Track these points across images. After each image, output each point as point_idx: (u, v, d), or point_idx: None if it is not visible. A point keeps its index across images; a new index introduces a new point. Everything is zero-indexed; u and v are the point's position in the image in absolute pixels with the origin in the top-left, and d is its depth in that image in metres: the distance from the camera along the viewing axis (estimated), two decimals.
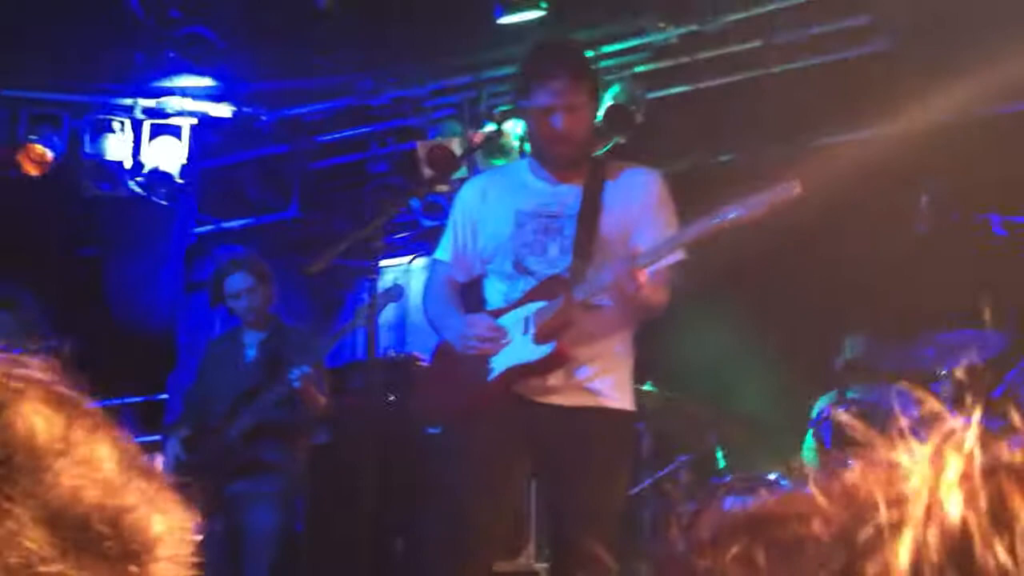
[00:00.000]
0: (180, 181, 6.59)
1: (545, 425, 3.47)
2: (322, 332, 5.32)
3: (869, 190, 5.70)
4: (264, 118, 6.72)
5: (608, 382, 3.52)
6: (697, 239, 3.36)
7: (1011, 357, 4.78)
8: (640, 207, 3.59)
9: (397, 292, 4.98)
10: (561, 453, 3.47)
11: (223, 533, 4.86)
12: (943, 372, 4.76)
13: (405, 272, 7.22)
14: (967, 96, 5.74)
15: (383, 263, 7.39)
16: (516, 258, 3.58)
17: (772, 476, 4.87)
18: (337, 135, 6.94)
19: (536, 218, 3.59)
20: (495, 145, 6.23)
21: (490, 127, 6.31)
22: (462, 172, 6.35)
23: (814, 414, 5.63)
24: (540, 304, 3.50)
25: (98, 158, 6.50)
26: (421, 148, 6.52)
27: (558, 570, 3.60)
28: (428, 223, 6.97)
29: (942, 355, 4.81)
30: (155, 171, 6.53)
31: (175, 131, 6.59)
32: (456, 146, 6.43)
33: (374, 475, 4.16)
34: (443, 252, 3.80)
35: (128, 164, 6.53)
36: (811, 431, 5.61)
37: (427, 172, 6.44)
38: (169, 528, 0.90)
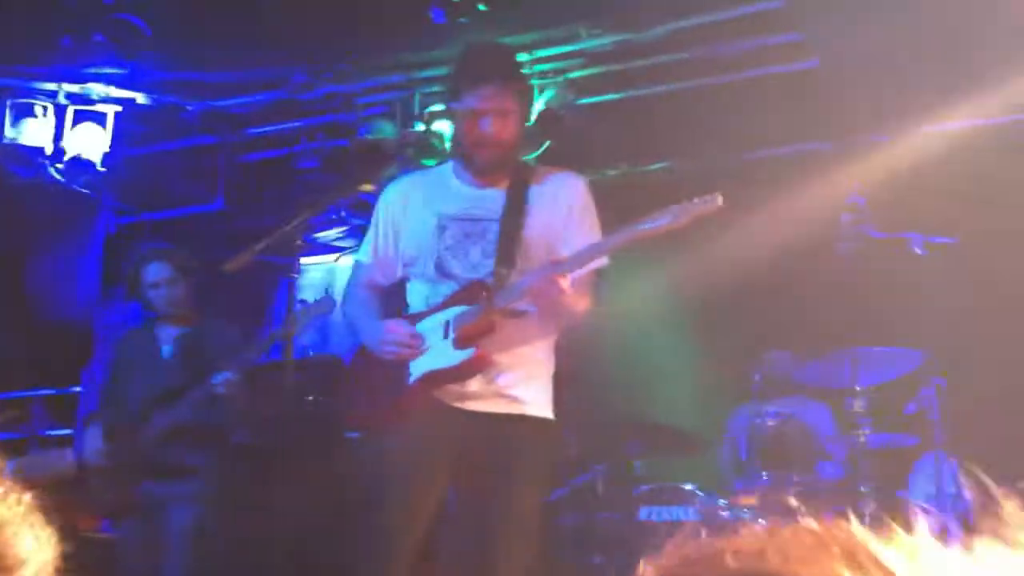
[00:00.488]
0: (102, 169, 6.44)
1: (464, 431, 3.44)
2: (245, 330, 5.19)
3: (794, 205, 5.76)
4: (191, 108, 6.60)
5: (529, 389, 3.51)
6: (619, 246, 3.35)
7: (926, 374, 4.85)
8: (564, 212, 3.58)
9: (328, 304, 4.90)
10: (480, 459, 3.45)
11: (139, 534, 4.76)
12: (859, 388, 4.82)
13: (330, 271, 7.15)
14: (893, 116, 5.83)
15: (309, 260, 7.33)
16: (438, 262, 3.56)
17: (688, 487, 4.90)
18: (266, 128, 6.84)
19: (459, 222, 3.57)
20: (425, 145, 6.20)
21: (420, 127, 6.28)
22: (392, 171, 6.32)
23: (730, 425, 5.68)
24: (461, 309, 3.47)
25: (17, 143, 6.34)
26: (351, 145, 6.46)
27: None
28: (355, 221, 6.92)
29: (858, 371, 4.87)
30: (77, 158, 6.39)
31: (99, 118, 6.45)
32: (387, 145, 6.38)
33: (292, 477, 4.12)
34: (364, 254, 3.76)
35: (49, 150, 6.37)
36: (726, 441, 5.66)
37: (356, 170, 6.38)
38: (39, 543, 0.90)
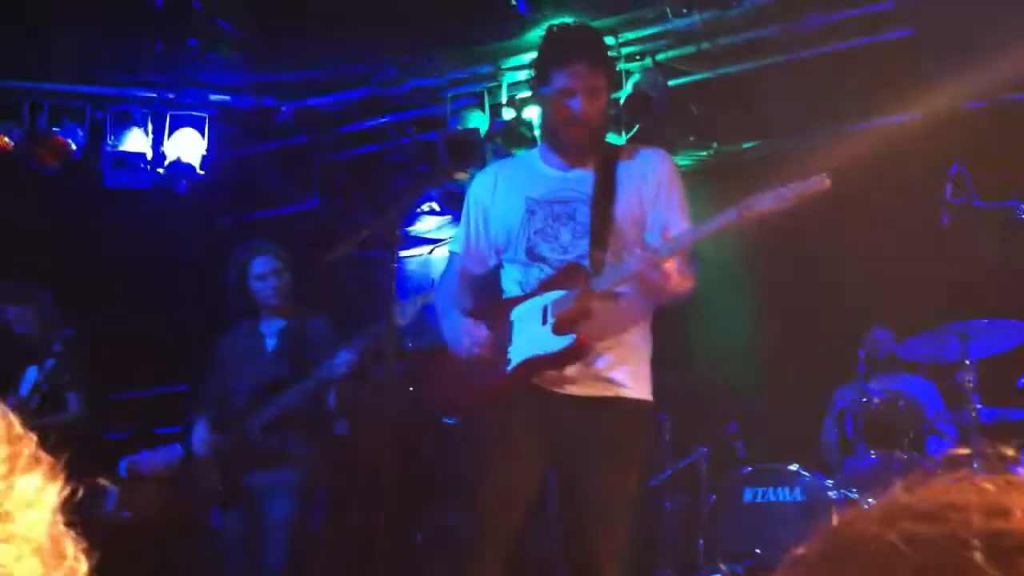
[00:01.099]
0: (201, 173, 6.60)
1: (562, 415, 3.45)
2: (346, 324, 5.27)
3: (893, 178, 5.64)
4: (284, 109, 6.72)
5: (626, 372, 3.50)
6: (722, 229, 3.31)
7: None
8: (653, 189, 3.55)
9: (431, 295, 4.97)
10: (578, 443, 3.45)
11: (242, 524, 4.88)
12: (968, 362, 4.71)
13: (426, 262, 7.22)
14: (990, 82, 5.66)
15: (404, 253, 7.41)
16: (529, 245, 3.56)
17: (792, 467, 4.84)
18: (357, 125, 6.93)
19: (547, 204, 3.57)
20: (514, 133, 6.21)
21: (509, 114, 6.30)
22: (482, 161, 6.35)
23: (836, 401, 5.59)
24: (558, 293, 3.47)
25: (119, 150, 6.53)
26: (441, 137, 6.51)
27: (570, 567, 3.58)
28: (449, 212, 6.97)
29: (967, 344, 4.76)
30: (176, 163, 6.55)
31: (196, 123, 6.60)
32: (476, 135, 6.41)
33: (393, 467, 4.16)
34: (456, 244, 3.78)
35: (149, 156, 6.55)
36: (830, 420, 5.57)
37: (447, 161, 6.43)
38: (36, 490, 0.90)
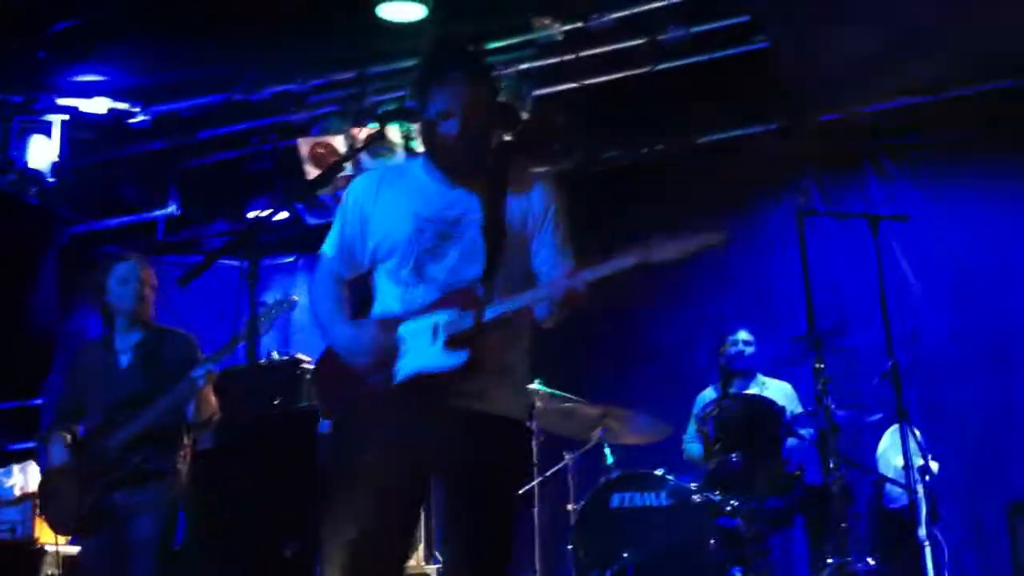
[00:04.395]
0: (52, 180, 6.35)
1: (448, 429, 3.44)
2: (203, 333, 5.15)
3: (750, 187, 5.81)
4: (139, 113, 6.51)
5: (510, 392, 3.53)
6: (618, 272, 3.39)
7: (888, 351, 4.91)
8: (538, 213, 3.51)
9: (289, 304, 4.89)
10: (463, 457, 3.45)
11: (106, 545, 4.71)
12: (822, 365, 4.87)
13: (289, 272, 7.11)
14: (843, 94, 5.89)
15: (268, 262, 7.28)
16: (416, 264, 3.53)
17: (659, 472, 4.92)
18: (217, 131, 6.77)
19: (435, 223, 3.54)
20: (379, 143, 6.16)
21: (373, 126, 6.24)
22: (346, 171, 6.28)
23: (697, 408, 5.71)
24: (448, 312, 3.47)
25: None
26: (303, 145, 6.41)
27: (451, 573, 3.57)
28: (312, 221, 6.87)
29: (823, 350, 4.91)
30: (25, 170, 6.29)
31: (46, 128, 6.35)
32: (340, 143, 6.34)
33: (259, 481, 4.08)
34: (331, 247, 3.71)
35: None
36: (694, 425, 5.69)
37: (310, 170, 6.33)
38: None
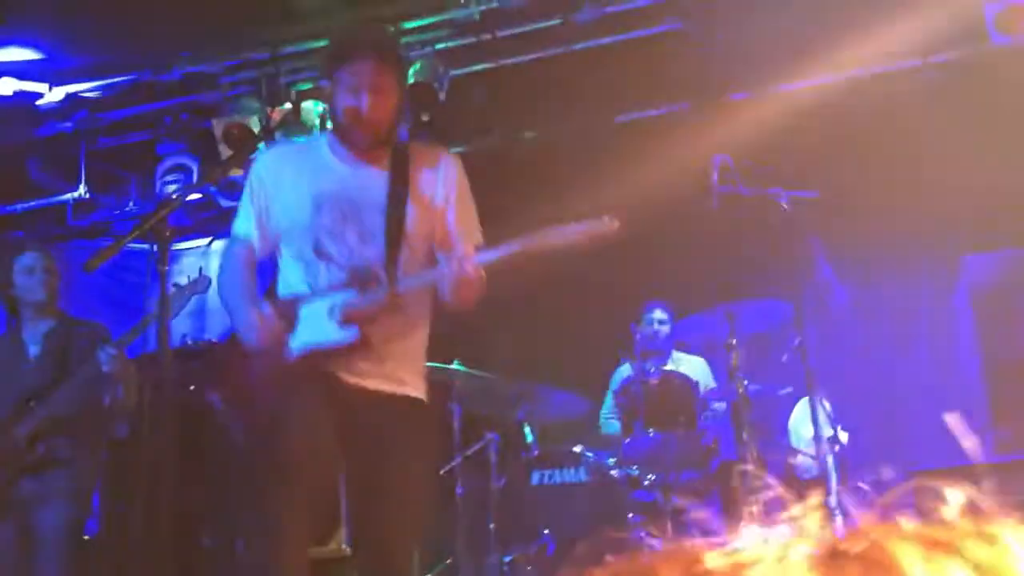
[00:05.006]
0: None
1: (352, 402, 3.45)
2: (113, 318, 5.07)
3: (668, 165, 5.87)
4: (46, 95, 6.36)
5: (412, 372, 3.55)
6: (505, 259, 3.41)
7: (795, 325, 5.02)
8: (444, 194, 3.58)
9: (203, 283, 4.82)
10: (367, 433, 3.46)
11: (13, 535, 4.62)
12: (734, 341, 4.96)
13: (203, 254, 7.01)
14: (757, 74, 5.98)
15: (181, 245, 7.17)
16: (315, 242, 3.52)
17: (577, 449, 4.98)
18: (126, 112, 6.63)
19: (336, 202, 3.53)
20: (294, 123, 6.11)
21: (287, 106, 6.18)
22: (259, 152, 6.22)
23: (615, 385, 5.78)
24: (348, 295, 3.46)
25: None
26: (216, 125, 6.32)
27: (364, 554, 3.58)
28: (226, 203, 6.78)
29: (735, 324, 5.01)
30: None
31: None
32: (254, 124, 6.27)
33: (175, 469, 4.02)
34: (240, 227, 3.68)
35: None
36: (611, 401, 5.76)
37: (223, 151, 6.25)
38: None
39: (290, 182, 3.59)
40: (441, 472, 5.02)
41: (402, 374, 3.50)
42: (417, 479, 3.47)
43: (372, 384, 3.46)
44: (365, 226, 3.49)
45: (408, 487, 3.42)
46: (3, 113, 6.42)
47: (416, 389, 3.54)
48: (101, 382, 4.66)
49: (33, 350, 4.84)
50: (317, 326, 3.45)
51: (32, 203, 6.88)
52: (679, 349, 5.90)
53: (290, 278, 3.60)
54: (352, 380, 3.45)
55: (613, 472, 4.91)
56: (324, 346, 3.43)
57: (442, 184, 3.58)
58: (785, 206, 5.12)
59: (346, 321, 3.43)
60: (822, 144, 6.18)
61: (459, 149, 6.72)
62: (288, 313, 3.51)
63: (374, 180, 3.54)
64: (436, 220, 3.55)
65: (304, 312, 3.49)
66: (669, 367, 5.70)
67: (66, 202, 6.82)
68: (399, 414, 3.47)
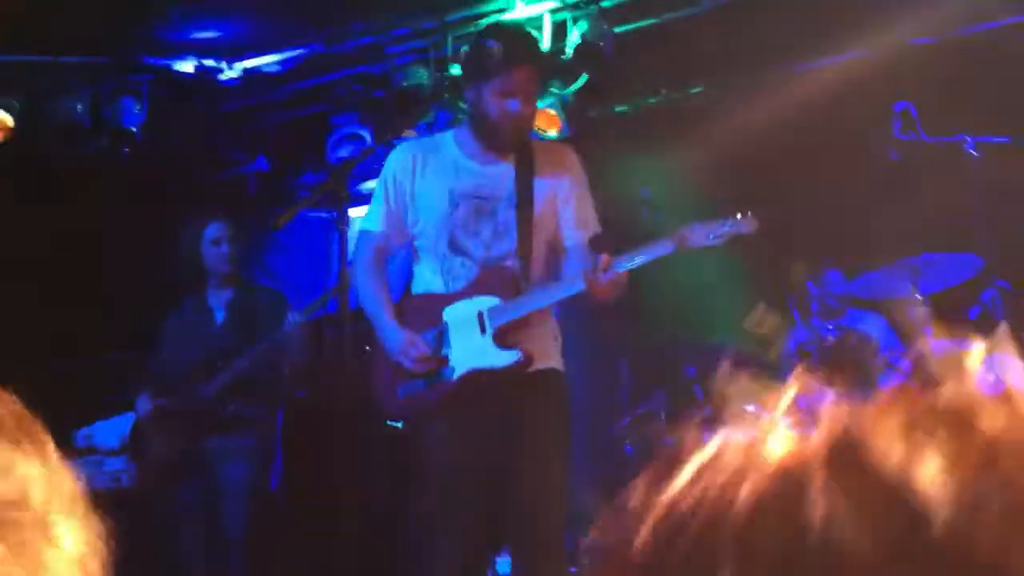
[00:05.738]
0: (142, 140, 6.46)
1: (505, 414, 3.62)
2: (294, 286, 5.23)
3: (842, 116, 5.64)
4: (227, 70, 6.59)
5: (549, 355, 3.72)
6: (660, 254, 3.57)
7: (987, 277, 4.76)
8: (565, 188, 3.76)
9: None
10: (522, 434, 3.62)
11: (199, 491, 4.82)
12: (919, 296, 4.74)
13: None
14: (937, 16, 5.67)
15: (354, 212, 7.33)
16: (450, 238, 3.68)
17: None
18: (301, 84, 6.81)
19: (470, 199, 3.68)
20: (457, 85, 6.14)
21: (455, 70, 6.22)
22: (429, 116, 6.31)
23: (789, 343, 5.61)
24: (491, 300, 3.60)
25: (58, 120, 6.37)
26: (388, 94, 6.42)
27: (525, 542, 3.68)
28: None
29: (918, 279, 4.79)
30: (118, 130, 6.41)
31: (136, 89, 6.45)
32: (423, 91, 6.34)
33: (352, 428, 4.14)
34: (373, 222, 3.80)
35: (89, 125, 6.40)
36: (787, 360, 5.59)
37: (394, 118, 6.35)
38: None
39: (426, 179, 3.76)
40: (609, 432, 5.00)
41: (540, 364, 3.66)
42: (560, 474, 3.58)
43: (522, 397, 3.65)
44: (499, 221, 3.66)
45: (555, 484, 3.53)
46: (187, 90, 6.69)
47: (555, 361, 3.70)
48: (283, 347, 4.82)
49: (219, 316, 5.05)
50: (473, 345, 3.61)
51: (215, 176, 7.16)
52: (858, 307, 5.67)
53: (424, 272, 3.75)
54: (509, 398, 3.63)
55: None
56: (486, 369, 3.59)
57: (566, 176, 3.75)
58: (974, 153, 4.86)
59: (500, 339, 3.59)
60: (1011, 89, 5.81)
61: (625, 107, 6.63)
62: (431, 316, 3.66)
63: (503, 177, 3.71)
64: (559, 212, 3.73)
65: (449, 319, 3.61)
66: (846, 325, 5.49)
67: (247, 174, 7.07)
68: (543, 410, 3.65)
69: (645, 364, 5.16)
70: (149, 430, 4.84)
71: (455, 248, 3.67)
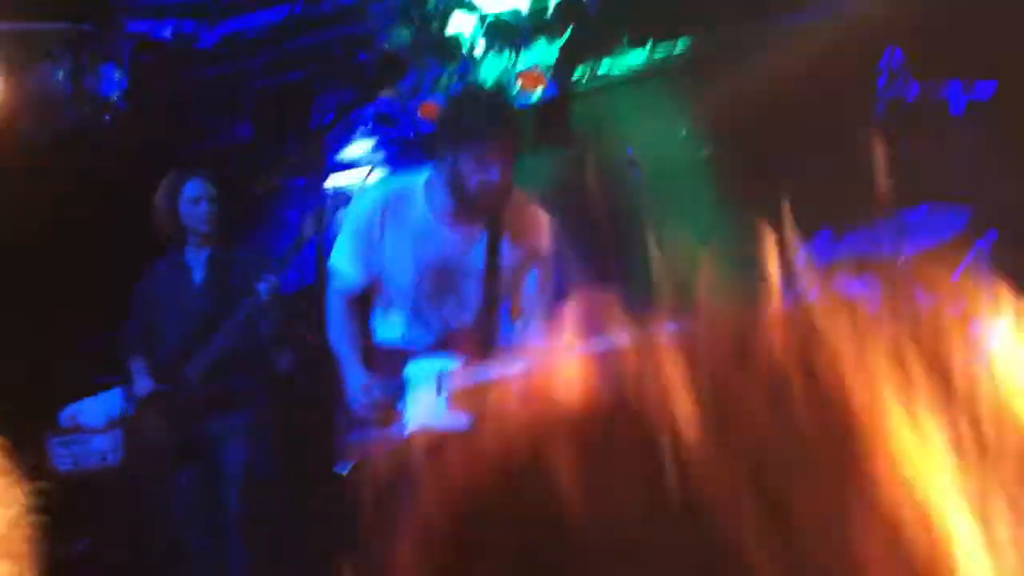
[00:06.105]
0: (123, 107, 6.39)
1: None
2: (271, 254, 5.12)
3: (825, 70, 5.54)
4: (204, 35, 6.49)
5: None
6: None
7: (969, 236, 4.69)
8: (530, 256, 3.80)
9: (346, 199, 4.88)
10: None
11: (198, 477, 4.74)
12: (904, 255, 4.67)
13: (361, 185, 7.08)
14: None
15: (337, 178, 7.27)
16: (415, 305, 3.74)
17: None
18: (280, 48, 6.71)
19: (433, 271, 3.73)
20: (443, 48, 6.05)
21: (436, 27, 6.11)
22: (411, 78, 6.22)
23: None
24: (449, 360, 3.66)
25: (38, 90, 6.29)
26: (370, 57, 6.34)
27: None
28: (381, 132, 6.81)
29: (903, 236, 4.71)
30: (99, 98, 6.34)
31: (116, 55, 6.37)
32: (405, 51, 6.25)
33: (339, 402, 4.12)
34: (342, 263, 3.82)
35: (68, 93, 6.32)
36: None
37: (377, 80, 6.27)
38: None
39: (391, 242, 3.78)
40: None
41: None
42: None
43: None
44: (462, 294, 3.73)
45: None
46: (164, 57, 6.59)
47: None
48: (261, 313, 4.72)
49: (198, 275, 4.91)
50: (427, 403, 3.67)
51: (198, 144, 7.08)
52: (843, 269, 5.61)
53: (391, 322, 3.83)
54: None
55: None
56: (436, 430, 3.59)
57: (531, 241, 3.80)
58: (961, 103, 4.78)
59: (458, 405, 3.64)
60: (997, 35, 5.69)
61: (610, 64, 6.52)
62: (393, 369, 3.74)
63: (473, 244, 3.74)
64: (524, 281, 3.79)
65: (409, 375, 3.66)
66: (834, 287, 5.43)
67: (228, 143, 6.99)
68: None
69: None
70: (146, 413, 4.73)
71: (418, 315, 3.75)
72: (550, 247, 3.83)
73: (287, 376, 5.07)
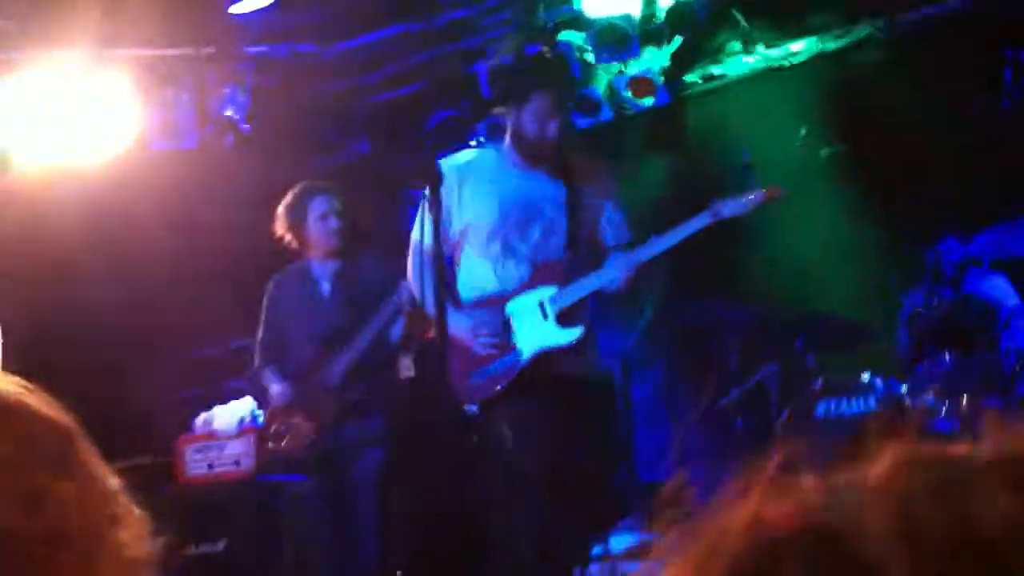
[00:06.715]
0: (246, 127, 6.55)
1: (571, 397, 4.03)
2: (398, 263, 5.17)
3: (946, 68, 5.42)
4: (321, 54, 6.63)
5: (599, 356, 4.30)
6: (695, 232, 4.00)
7: None
8: (603, 196, 4.21)
9: None
10: (587, 420, 4.11)
11: (332, 482, 4.76)
12: None
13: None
14: None
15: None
16: (504, 242, 4.05)
17: (865, 377, 4.73)
18: (397, 65, 6.81)
19: (519, 206, 4.07)
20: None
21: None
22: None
23: (905, 307, 5.42)
24: (546, 288, 3.99)
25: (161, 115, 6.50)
26: (483, 70, 6.39)
27: None
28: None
29: None
30: (221, 119, 6.51)
31: (237, 77, 6.54)
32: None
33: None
34: (422, 232, 3.99)
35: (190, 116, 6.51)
36: (902, 325, 5.42)
37: (489, 94, 6.32)
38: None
39: (472, 193, 4.12)
40: (718, 406, 4.94)
41: (597, 359, 4.25)
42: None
43: (585, 373, 4.16)
44: (546, 223, 4.06)
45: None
46: (282, 74, 6.75)
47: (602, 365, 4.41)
48: (392, 320, 4.77)
49: (325, 287, 4.98)
50: (537, 328, 3.97)
51: (319, 161, 7.22)
52: (976, 267, 5.45)
53: (477, 275, 4.11)
54: (574, 375, 4.06)
55: (907, 401, 4.63)
56: (553, 348, 3.96)
57: (601, 184, 4.20)
58: None
59: (562, 320, 3.96)
60: None
61: (724, 68, 6.47)
62: (494, 312, 4.03)
63: (548, 184, 4.14)
64: (598, 215, 4.16)
65: (511, 313, 4.00)
66: (965, 287, 5.28)
67: (348, 157, 7.12)
68: (600, 398, 4.36)
69: (752, 337, 5.05)
70: (284, 421, 4.80)
71: (508, 251, 4.05)
72: (613, 187, 4.25)
73: (410, 381, 5.11)
